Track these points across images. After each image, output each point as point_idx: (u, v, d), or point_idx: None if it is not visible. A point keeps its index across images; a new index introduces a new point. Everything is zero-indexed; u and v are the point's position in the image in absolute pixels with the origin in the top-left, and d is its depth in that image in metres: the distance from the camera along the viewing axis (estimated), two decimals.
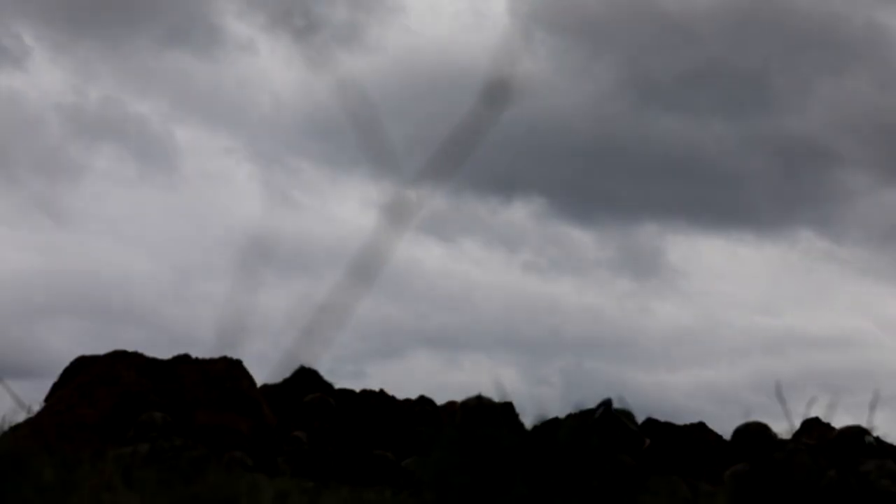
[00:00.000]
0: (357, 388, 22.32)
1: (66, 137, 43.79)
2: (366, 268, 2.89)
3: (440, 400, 21.83)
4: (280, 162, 47.93)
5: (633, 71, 46.16)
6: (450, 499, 3.60)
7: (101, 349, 18.44)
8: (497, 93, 2.82)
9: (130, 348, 18.06)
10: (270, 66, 46.56)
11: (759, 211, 47.58)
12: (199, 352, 18.19)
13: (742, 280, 46.54)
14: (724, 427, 19.51)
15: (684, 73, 45.13)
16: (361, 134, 2.82)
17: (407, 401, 21.87)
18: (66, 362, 17.98)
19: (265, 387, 19.49)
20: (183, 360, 18.06)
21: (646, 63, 45.76)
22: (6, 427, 5.21)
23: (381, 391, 22.19)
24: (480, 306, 41.79)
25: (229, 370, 17.90)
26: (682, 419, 21.50)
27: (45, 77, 45.56)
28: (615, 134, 47.36)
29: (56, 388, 17.32)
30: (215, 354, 17.75)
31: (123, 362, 17.54)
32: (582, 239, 47.82)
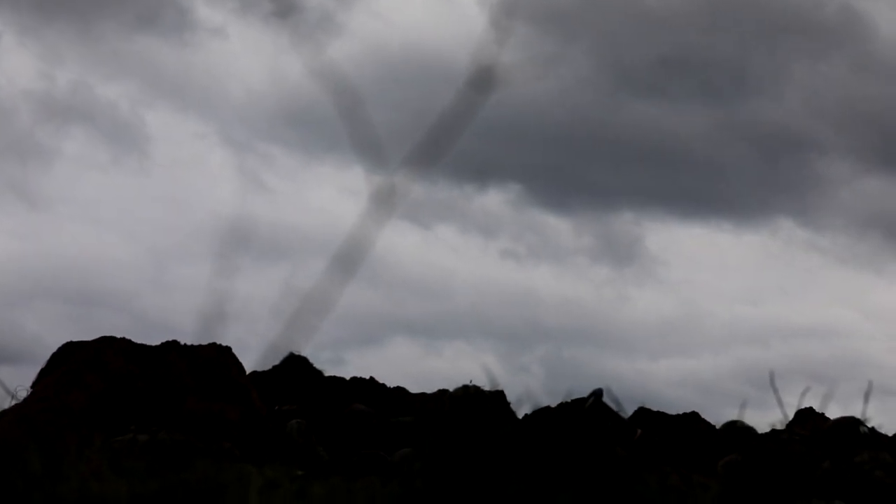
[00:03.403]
0: (343, 376, 22.28)
1: (36, 122, 43.61)
2: (350, 257, 2.84)
3: (422, 388, 21.81)
4: (253, 147, 47.78)
5: (608, 58, 46.11)
6: (439, 488, 3.55)
7: (79, 334, 18.33)
8: (482, 81, 2.78)
9: (109, 333, 17.96)
10: (242, 51, 46.41)
11: (738, 199, 47.60)
12: (178, 336, 18.12)
13: (722, 269, 46.64)
14: (709, 417, 19.52)
15: (660, 59, 45.10)
16: (345, 120, 2.76)
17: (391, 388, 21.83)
18: (43, 347, 17.86)
19: (254, 374, 19.43)
20: (171, 346, 17.97)
21: (621, 50, 45.71)
22: None
23: (371, 378, 22.14)
24: (458, 294, 41.81)
25: (218, 357, 17.84)
26: (664, 409, 21.49)
27: (14, 62, 45.38)
28: (590, 121, 47.27)
29: (43, 374, 17.24)
30: (197, 340, 17.71)
31: (111, 348, 17.45)
32: (558, 226, 47.80)
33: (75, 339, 17.91)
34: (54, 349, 17.70)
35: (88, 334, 18.39)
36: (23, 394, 16.37)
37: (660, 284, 43.52)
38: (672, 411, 20.78)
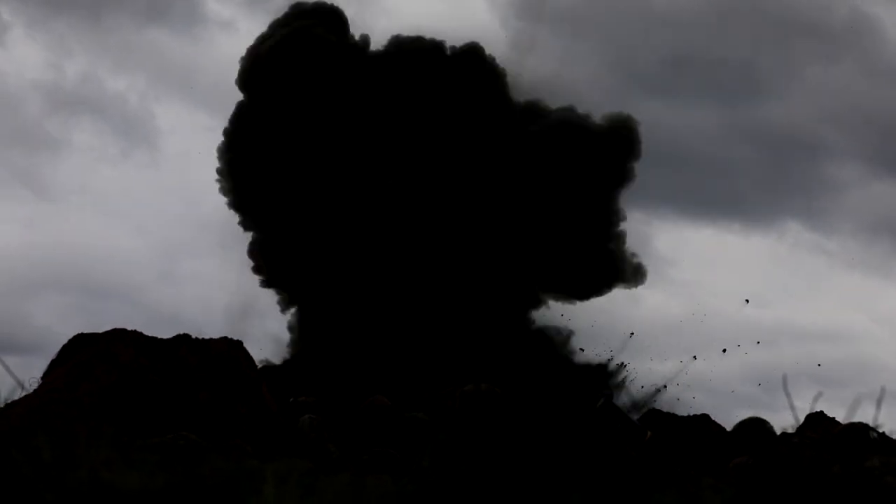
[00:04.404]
0: None
1: (46, 113, 43.96)
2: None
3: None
4: None
5: (619, 58, 46.19)
6: (449, 485, 3.54)
7: (87, 326, 18.39)
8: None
9: (117, 325, 17.97)
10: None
11: (747, 201, 47.74)
12: (186, 328, 18.14)
13: (730, 271, 46.78)
14: (717, 419, 19.41)
15: (671, 60, 45.19)
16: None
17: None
18: (52, 339, 17.96)
19: (265, 367, 19.45)
20: (183, 339, 17.96)
21: (632, 50, 45.81)
22: (2, 404, 5.16)
23: None
24: None
25: (229, 350, 17.84)
26: (673, 410, 21.36)
27: (23, 53, 45.72)
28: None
29: (54, 365, 17.25)
30: (218, 336, 17.73)
31: (122, 341, 17.46)
32: None
33: (84, 331, 17.94)
34: (63, 341, 17.73)
35: (97, 326, 18.42)
36: (33, 385, 16.38)
37: (669, 285, 43.59)
38: (680, 412, 20.72)
